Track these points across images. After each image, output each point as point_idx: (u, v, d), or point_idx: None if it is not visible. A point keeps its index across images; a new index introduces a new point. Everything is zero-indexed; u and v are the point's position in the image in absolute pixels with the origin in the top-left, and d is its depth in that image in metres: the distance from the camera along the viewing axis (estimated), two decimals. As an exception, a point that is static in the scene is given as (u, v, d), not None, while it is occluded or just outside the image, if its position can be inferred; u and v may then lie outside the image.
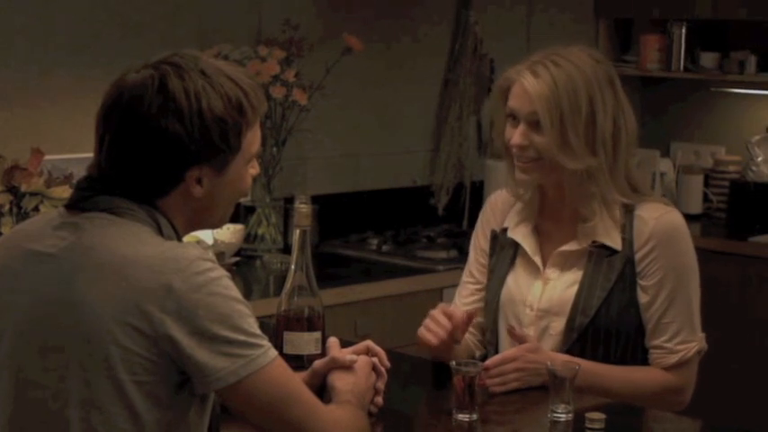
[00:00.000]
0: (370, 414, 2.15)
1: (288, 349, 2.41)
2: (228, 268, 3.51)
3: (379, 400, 2.22)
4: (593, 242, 2.51)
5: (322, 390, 2.13)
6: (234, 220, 3.71)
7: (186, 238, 1.91)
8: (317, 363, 2.19)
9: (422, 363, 2.49)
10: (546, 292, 2.55)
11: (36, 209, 3.13)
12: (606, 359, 2.49)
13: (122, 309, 1.75)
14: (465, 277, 2.72)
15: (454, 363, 2.23)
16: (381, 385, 2.23)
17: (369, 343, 2.28)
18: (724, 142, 5.04)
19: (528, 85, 2.45)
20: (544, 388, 2.31)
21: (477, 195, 4.48)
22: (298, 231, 2.44)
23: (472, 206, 4.48)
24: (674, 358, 2.50)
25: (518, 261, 2.60)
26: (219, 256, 3.53)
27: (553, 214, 2.58)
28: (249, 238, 4.02)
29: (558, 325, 2.52)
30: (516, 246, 2.60)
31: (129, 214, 1.83)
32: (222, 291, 1.78)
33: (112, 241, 1.80)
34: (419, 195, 4.66)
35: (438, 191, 4.68)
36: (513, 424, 2.31)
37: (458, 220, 4.66)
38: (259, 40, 4.02)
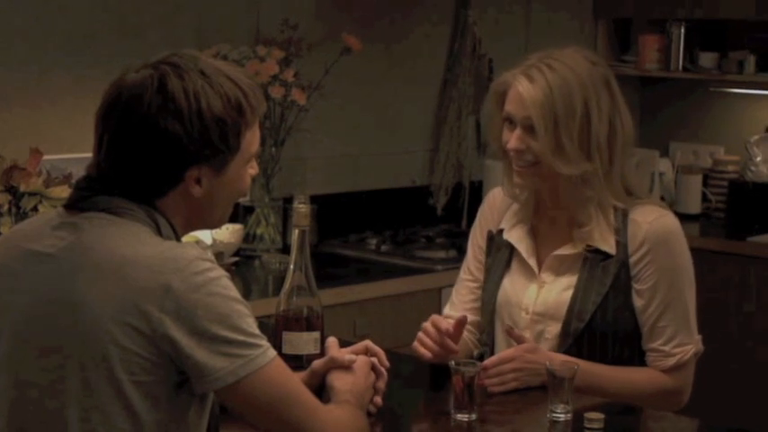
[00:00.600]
0: (369, 414, 2.15)
1: (287, 349, 2.41)
2: (227, 268, 3.50)
3: (379, 399, 2.22)
4: (588, 246, 2.51)
5: (321, 390, 2.13)
6: (233, 219, 3.72)
7: (185, 238, 1.91)
8: (316, 363, 2.19)
9: (420, 363, 2.49)
10: (541, 295, 2.55)
11: (35, 209, 3.12)
12: (603, 363, 2.48)
13: (121, 309, 1.75)
14: (463, 274, 2.72)
15: (453, 363, 2.24)
16: (382, 385, 2.23)
17: (368, 343, 2.28)
18: (723, 142, 5.04)
19: (523, 89, 2.45)
20: (543, 388, 2.31)
21: (476, 195, 4.47)
22: (297, 231, 2.44)
23: (471, 206, 4.47)
24: (670, 361, 2.50)
25: (514, 263, 2.61)
26: (218, 256, 3.52)
27: (549, 216, 2.58)
28: (248, 238, 4.01)
29: (554, 329, 2.52)
30: (512, 247, 2.60)
31: (128, 214, 1.83)
32: (221, 291, 1.78)
33: (111, 241, 1.79)
34: (418, 195, 4.65)
35: (437, 191, 4.67)
36: (512, 424, 2.31)
37: (457, 220, 4.65)
38: (258, 40, 4.01)
